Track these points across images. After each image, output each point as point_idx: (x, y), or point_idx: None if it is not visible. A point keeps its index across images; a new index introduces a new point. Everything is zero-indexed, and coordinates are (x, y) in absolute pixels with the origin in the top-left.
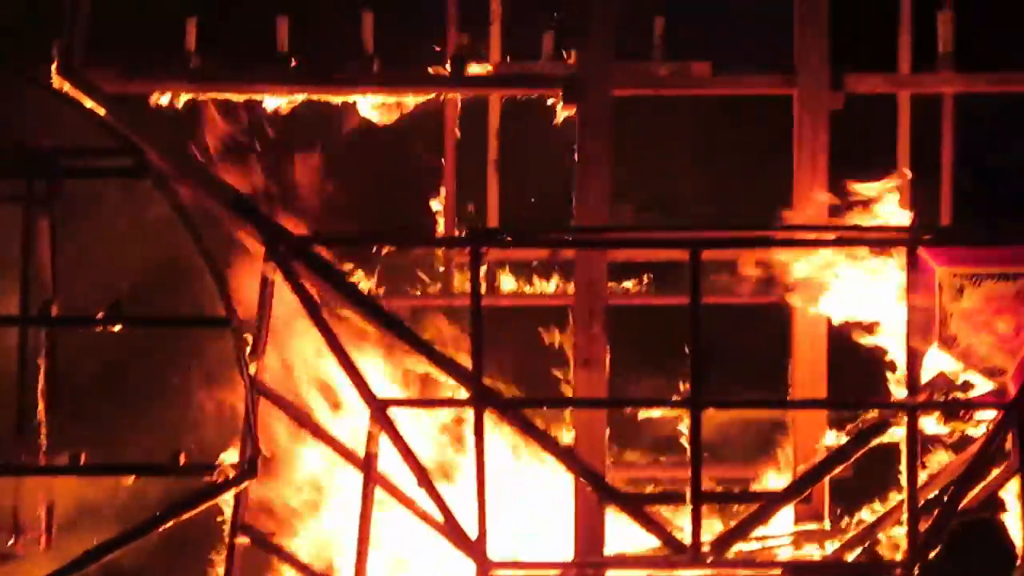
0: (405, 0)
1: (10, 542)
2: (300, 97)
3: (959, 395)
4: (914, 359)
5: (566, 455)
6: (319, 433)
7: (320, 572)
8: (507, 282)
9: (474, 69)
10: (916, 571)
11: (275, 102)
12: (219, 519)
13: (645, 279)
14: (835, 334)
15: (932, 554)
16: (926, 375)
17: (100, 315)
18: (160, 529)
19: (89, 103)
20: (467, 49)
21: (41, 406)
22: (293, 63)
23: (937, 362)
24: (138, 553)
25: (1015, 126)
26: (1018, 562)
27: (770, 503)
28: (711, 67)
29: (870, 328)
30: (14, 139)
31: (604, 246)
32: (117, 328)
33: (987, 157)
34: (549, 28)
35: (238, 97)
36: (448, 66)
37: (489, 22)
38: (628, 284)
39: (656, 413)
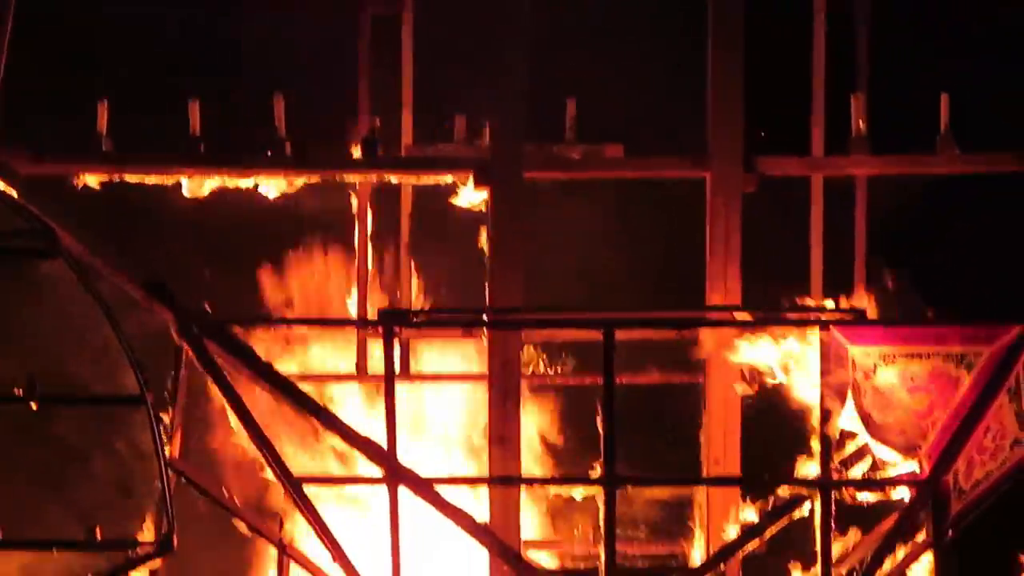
0: (317, 84)
1: None
2: (211, 179)
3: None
4: (827, 437)
5: (482, 531)
6: (236, 511)
7: None
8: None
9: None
10: None
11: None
12: None
13: None
14: (748, 412)
15: None
16: (844, 450)
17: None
18: None
19: (1, 184)
20: (378, 132)
21: None
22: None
23: (853, 437)
24: None
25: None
26: None
27: None
28: (624, 149)
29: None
30: None
31: (517, 326)
32: (33, 405)
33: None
34: (461, 112)
35: (150, 179)
36: (359, 149)
37: (401, 106)
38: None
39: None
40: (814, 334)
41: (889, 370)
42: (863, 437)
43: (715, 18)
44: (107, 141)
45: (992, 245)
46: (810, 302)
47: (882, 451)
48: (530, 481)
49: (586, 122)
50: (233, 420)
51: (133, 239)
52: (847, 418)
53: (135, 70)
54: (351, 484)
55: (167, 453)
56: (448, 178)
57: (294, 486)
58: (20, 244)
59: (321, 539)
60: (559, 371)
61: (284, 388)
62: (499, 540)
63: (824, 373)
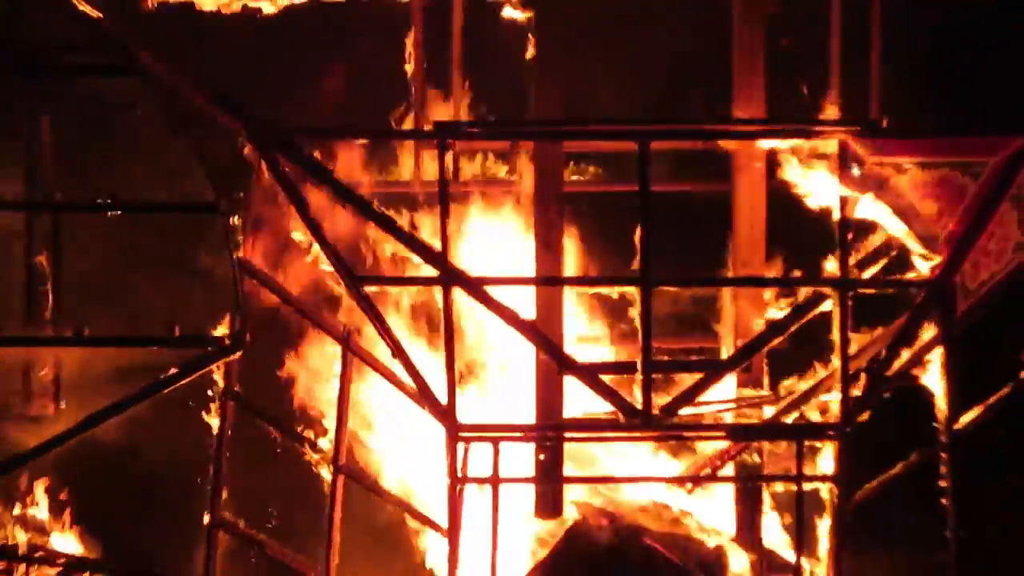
0: None
1: (24, 407)
2: None
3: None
4: (845, 241)
5: (528, 329)
6: (301, 308)
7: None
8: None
9: None
10: (847, 433)
11: None
12: None
13: None
14: (773, 218)
15: (862, 417)
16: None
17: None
18: (159, 394)
19: (81, 4)
20: None
21: (49, 285)
22: None
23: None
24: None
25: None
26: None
27: (714, 372)
28: None
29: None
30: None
31: (559, 137)
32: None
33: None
34: None
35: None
36: None
37: None
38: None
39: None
40: (832, 145)
41: (902, 180)
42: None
43: None
44: None
45: (1007, 57)
46: (831, 113)
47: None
48: (572, 281)
49: None
50: (298, 225)
51: (203, 58)
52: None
53: None
54: (408, 285)
55: (239, 254)
56: None
57: (355, 285)
58: (100, 61)
59: (382, 336)
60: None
61: (344, 193)
62: (544, 336)
63: (841, 182)
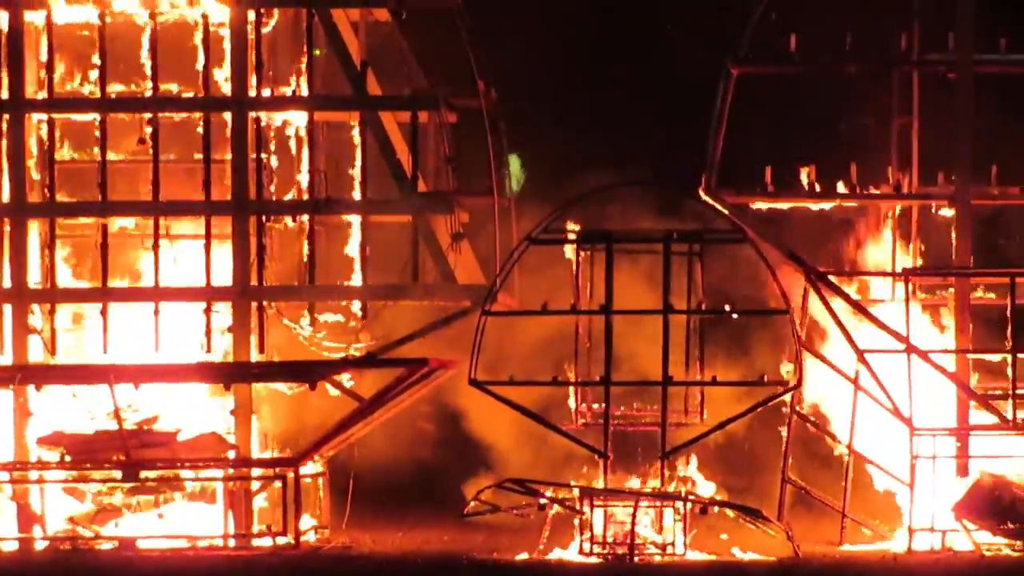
0: None
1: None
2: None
3: None
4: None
5: (967, 389)
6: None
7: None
8: None
9: None
10: None
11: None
12: None
13: None
14: None
15: None
16: None
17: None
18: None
19: (719, 207)
20: None
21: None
22: None
23: None
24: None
25: None
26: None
27: None
28: None
29: None
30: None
31: None
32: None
33: None
34: None
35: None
36: None
37: None
38: None
39: None
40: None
41: None
42: None
43: None
44: (811, 174)
45: None
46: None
47: None
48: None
49: None
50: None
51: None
52: None
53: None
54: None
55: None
56: None
57: (860, 352)
58: (726, 236)
59: (872, 377)
60: None
61: (860, 309)
62: (971, 388)
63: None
